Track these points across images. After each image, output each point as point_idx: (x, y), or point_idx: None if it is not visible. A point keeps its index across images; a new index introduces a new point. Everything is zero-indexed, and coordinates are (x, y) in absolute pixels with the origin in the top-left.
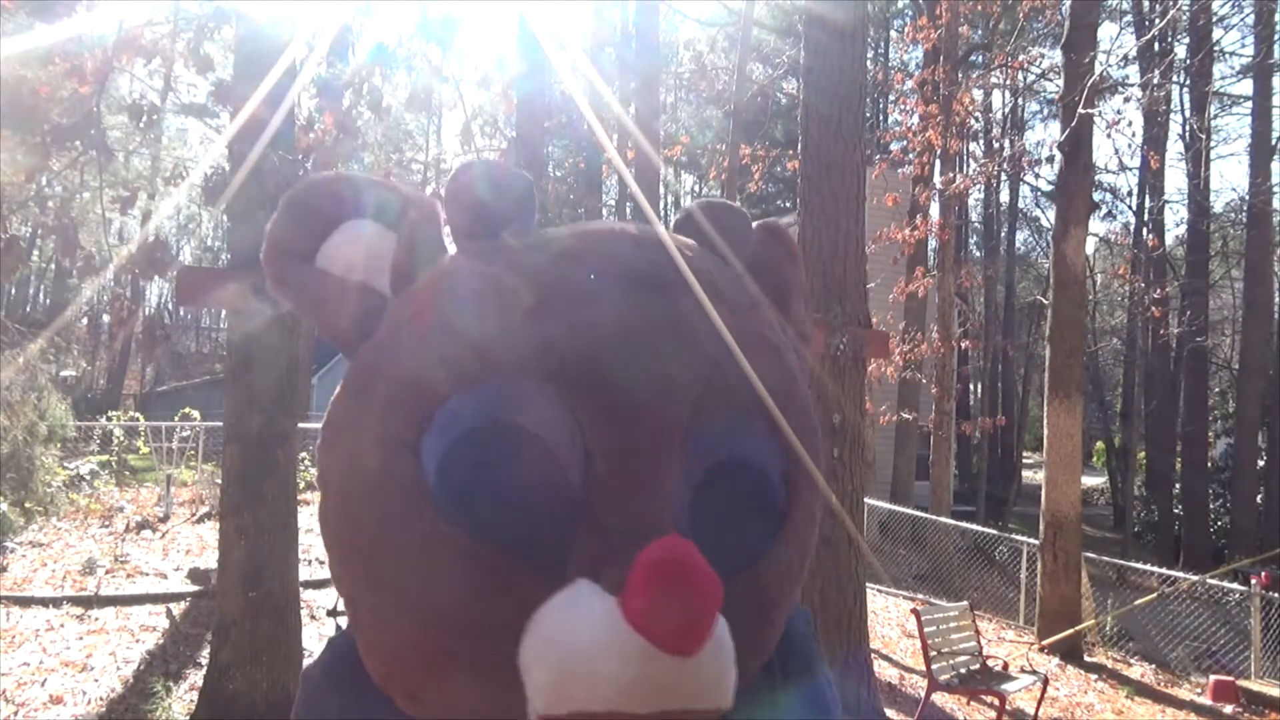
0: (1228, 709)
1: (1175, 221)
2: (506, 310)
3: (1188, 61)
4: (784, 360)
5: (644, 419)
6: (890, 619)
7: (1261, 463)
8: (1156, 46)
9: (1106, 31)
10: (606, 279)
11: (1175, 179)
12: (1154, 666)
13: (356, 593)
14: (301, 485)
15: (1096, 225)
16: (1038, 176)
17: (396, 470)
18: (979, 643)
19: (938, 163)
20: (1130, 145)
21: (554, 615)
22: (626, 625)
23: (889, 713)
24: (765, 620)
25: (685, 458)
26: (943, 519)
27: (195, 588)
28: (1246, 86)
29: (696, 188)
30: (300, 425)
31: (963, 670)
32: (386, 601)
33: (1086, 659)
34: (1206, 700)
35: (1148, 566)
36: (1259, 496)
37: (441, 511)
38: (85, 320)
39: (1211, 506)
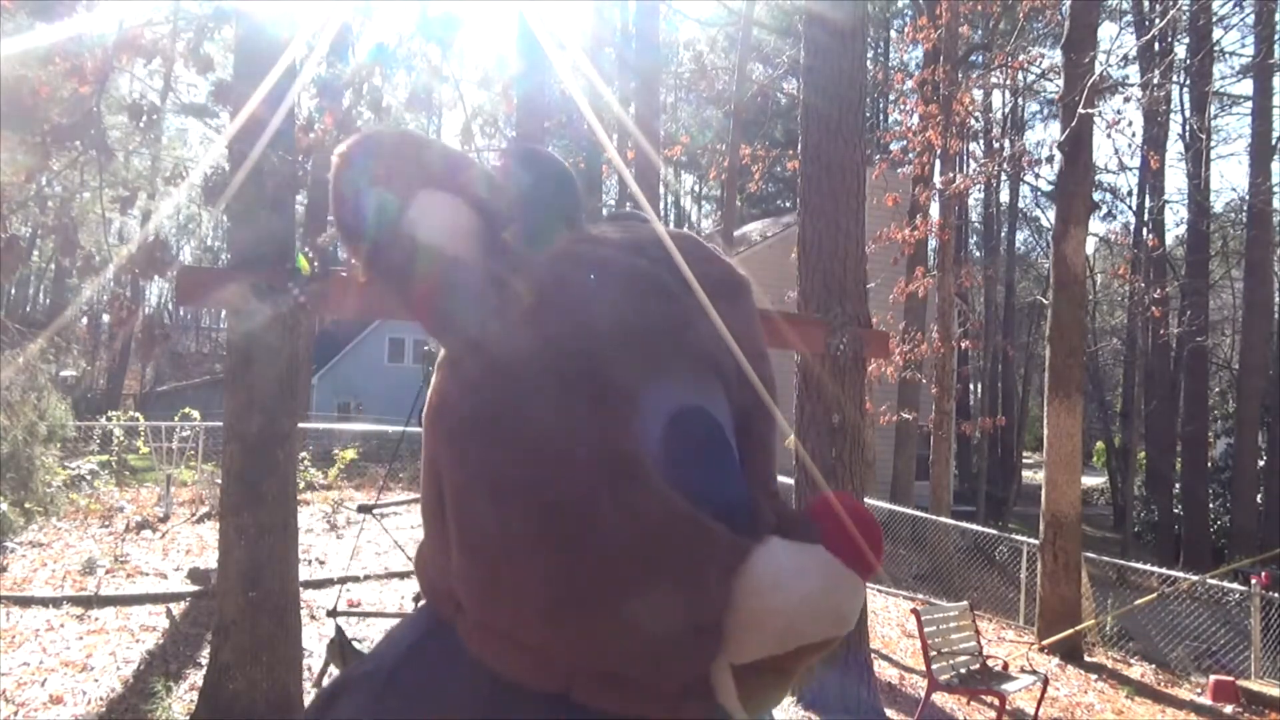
0: (1228, 709)
1: (1175, 221)
2: (679, 309)
3: (1188, 61)
4: None
5: (766, 399)
6: (890, 619)
7: (1261, 463)
8: (1156, 46)
9: (1106, 31)
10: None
11: (1175, 179)
12: (1154, 666)
13: (531, 574)
14: (301, 485)
15: (1096, 225)
16: (1038, 176)
17: (612, 447)
18: (979, 643)
19: (938, 163)
20: (1130, 145)
21: (769, 573)
22: (842, 565)
23: (889, 713)
24: None
25: None
26: (943, 519)
27: (195, 588)
28: (1246, 86)
29: (696, 188)
30: (300, 425)
31: (963, 670)
32: (577, 579)
33: (1086, 659)
34: (1206, 700)
35: (1148, 566)
36: (1259, 496)
37: (667, 485)
38: (85, 320)
39: (1211, 506)
